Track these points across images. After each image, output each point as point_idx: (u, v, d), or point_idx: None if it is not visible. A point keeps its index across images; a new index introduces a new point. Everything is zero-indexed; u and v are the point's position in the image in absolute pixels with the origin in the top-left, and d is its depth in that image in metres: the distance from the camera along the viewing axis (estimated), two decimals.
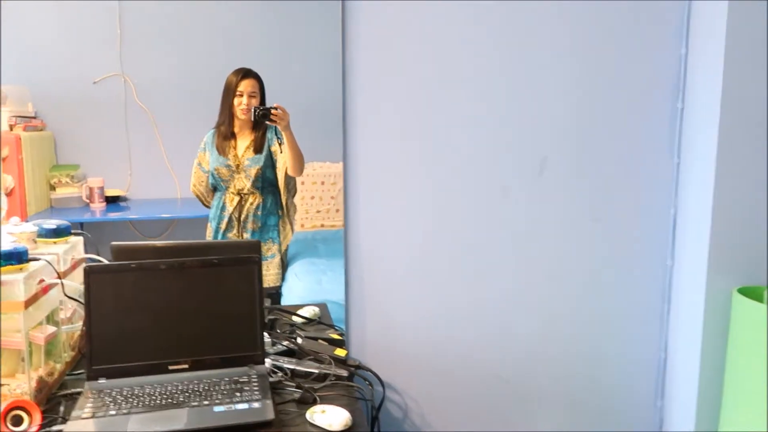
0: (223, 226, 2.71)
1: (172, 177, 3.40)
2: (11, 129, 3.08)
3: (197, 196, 2.82)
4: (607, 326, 1.71)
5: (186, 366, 1.36)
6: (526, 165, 1.62)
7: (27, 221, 3.03)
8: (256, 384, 1.32)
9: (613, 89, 1.61)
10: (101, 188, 3.27)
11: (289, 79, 3.17)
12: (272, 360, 1.47)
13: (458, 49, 1.56)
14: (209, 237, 2.72)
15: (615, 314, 1.71)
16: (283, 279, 2.78)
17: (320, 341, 1.58)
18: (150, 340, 1.35)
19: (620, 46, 1.60)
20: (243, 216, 2.67)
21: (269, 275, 2.74)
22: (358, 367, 1.51)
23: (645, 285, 1.70)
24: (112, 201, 3.34)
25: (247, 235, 2.67)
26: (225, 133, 2.66)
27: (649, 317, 1.71)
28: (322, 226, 3.51)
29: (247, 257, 1.40)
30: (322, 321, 1.77)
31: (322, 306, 1.92)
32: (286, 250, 2.80)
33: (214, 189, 2.71)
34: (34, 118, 3.36)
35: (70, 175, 3.32)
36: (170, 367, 1.35)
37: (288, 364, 1.47)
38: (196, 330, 1.37)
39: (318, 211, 3.51)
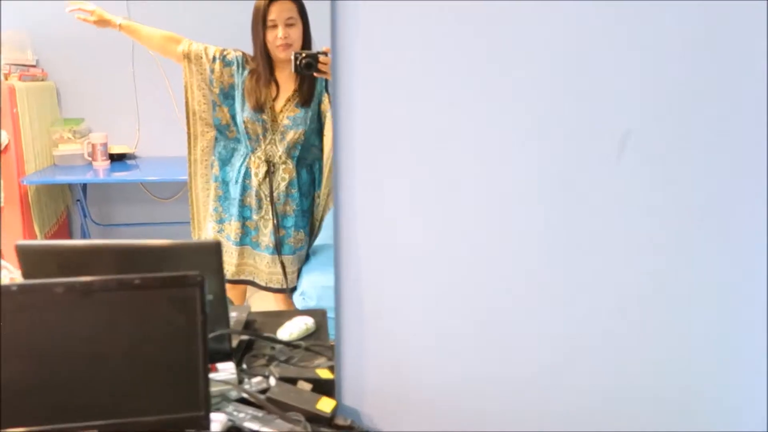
0: (249, 201, 2.07)
1: (185, 132, 3.03)
2: (6, 78, 2.73)
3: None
4: (700, 382, 1.21)
5: None
6: (598, 144, 1.11)
7: (23, 181, 2.72)
8: None
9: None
10: (104, 144, 2.91)
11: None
12: (228, 415, 1.05)
13: None
14: (216, 208, 2.19)
15: (712, 363, 1.20)
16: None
17: (301, 383, 1.14)
18: (43, 396, 0.94)
19: None
20: (275, 194, 2.04)
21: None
22: (351, 429, 1.08)
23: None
24: (118, 159, 3.00)
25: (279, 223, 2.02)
26: (263, 79, 2.00)
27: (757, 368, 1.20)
28: None
29: (184, 276, 0.96)
30: (310, 346, 1.31)
31: (320, 314, 1.47)
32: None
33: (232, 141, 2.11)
34: (34, 66, 2.98)
35: (73, 130, 2.97)
36: None
37: (251, 422, 1.05)
38: (110, 382, 0.96)
39: None
